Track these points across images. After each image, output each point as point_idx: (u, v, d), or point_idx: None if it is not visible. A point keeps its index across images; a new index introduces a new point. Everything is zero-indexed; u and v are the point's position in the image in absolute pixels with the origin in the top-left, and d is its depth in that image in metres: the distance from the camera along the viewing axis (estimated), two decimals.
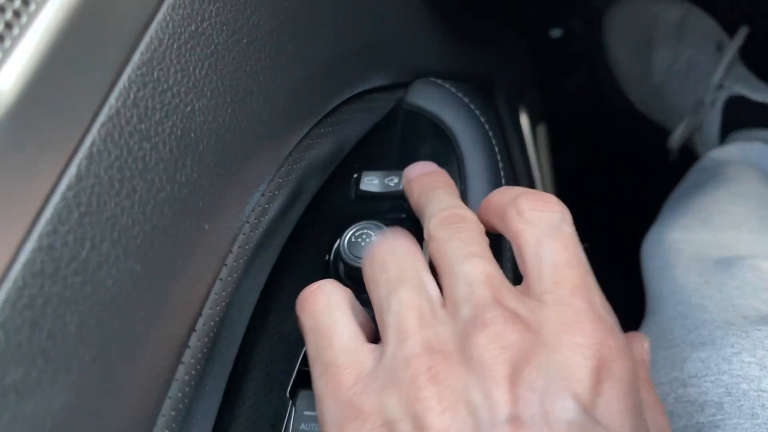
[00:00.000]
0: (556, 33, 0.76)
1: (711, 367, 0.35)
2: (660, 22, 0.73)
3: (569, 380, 0.20)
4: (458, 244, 0.24)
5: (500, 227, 0.25)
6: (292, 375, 0.28)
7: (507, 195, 0.25)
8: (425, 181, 0.29)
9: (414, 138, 0.36)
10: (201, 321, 0.24)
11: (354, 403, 0.21)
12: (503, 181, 0.35)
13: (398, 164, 0.35)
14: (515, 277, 0.25)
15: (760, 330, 0.35)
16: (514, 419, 0.19)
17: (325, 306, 0.24)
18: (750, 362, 0.33)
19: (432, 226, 0.25)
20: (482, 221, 0.26)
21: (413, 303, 0.22)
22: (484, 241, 0.24)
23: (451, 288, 0.23)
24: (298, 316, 0.25)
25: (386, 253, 0.24)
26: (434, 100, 0.37)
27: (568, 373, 0.20)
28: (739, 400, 0.32)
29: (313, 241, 0.33)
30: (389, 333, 0.22)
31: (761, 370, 0.33)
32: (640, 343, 0.25)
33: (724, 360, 0.34)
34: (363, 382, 0.22)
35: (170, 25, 0.20)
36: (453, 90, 0.38)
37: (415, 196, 0.29)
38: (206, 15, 0.21)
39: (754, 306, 0.37)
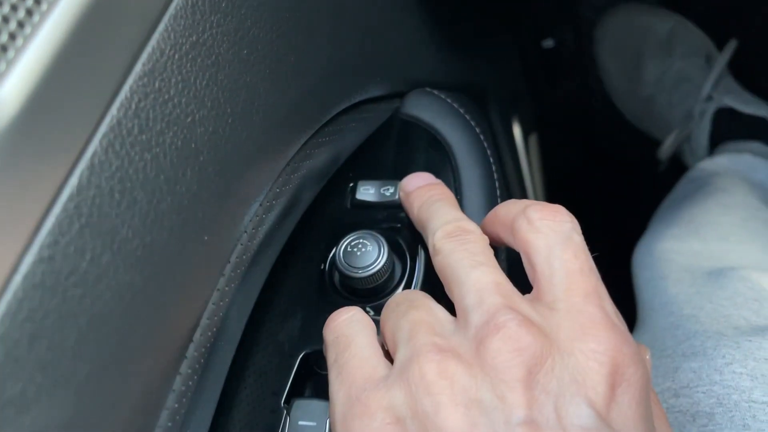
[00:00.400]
0: (548, 43, 0.77)
1: (702, 377, 0.35)
2: (650, 34, 0.74)
3: (583, 385, 0.20)
4: (464, 255, 0.24)
5: (508, 238, 0.25)
6: (286, 384, 0.28)
7: (515, 207, 0.25)
8: (425, 194, 0.29)
9: (410, 148, 0.36)
10: (198, 331, 0.24)
11: (361, 400, 0.21)
12: (498, 192, 0.36)
13: (394, 174, 0.35)
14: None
15: (750, 341, 0.35)
16: (530, 422, 0.19)
17: (347, 321, 0.25)
18: (741, 373, 0.34)
19: (437, 240, 0.26)
20: (487, 234, 0.26)
21: (422, 319, 0.23)
22: (490, 252, 0.25)
23: (460, 298, 0.23)
24: (323, 335, 0.25)
25: (399, 295, 0.25)
26: (430, 111, 0.38)
27: (582, 378, 0.20)
28: (731, 411, 0.33)
29: (308, 250, 0.32)
30: (399, 344, 0.22)
31: (752, 380, 0.33)
32: (644, 353, 0.26)
33: (715, 370, 0.35)
34: (373, 382, 0.22)
35: (172, 36, 0.20)
36: (449, 100, 0.38)
37: (415, 210, 0.29)
38: (207, 25, 0.21)
39: (744, 316, 0.38)
